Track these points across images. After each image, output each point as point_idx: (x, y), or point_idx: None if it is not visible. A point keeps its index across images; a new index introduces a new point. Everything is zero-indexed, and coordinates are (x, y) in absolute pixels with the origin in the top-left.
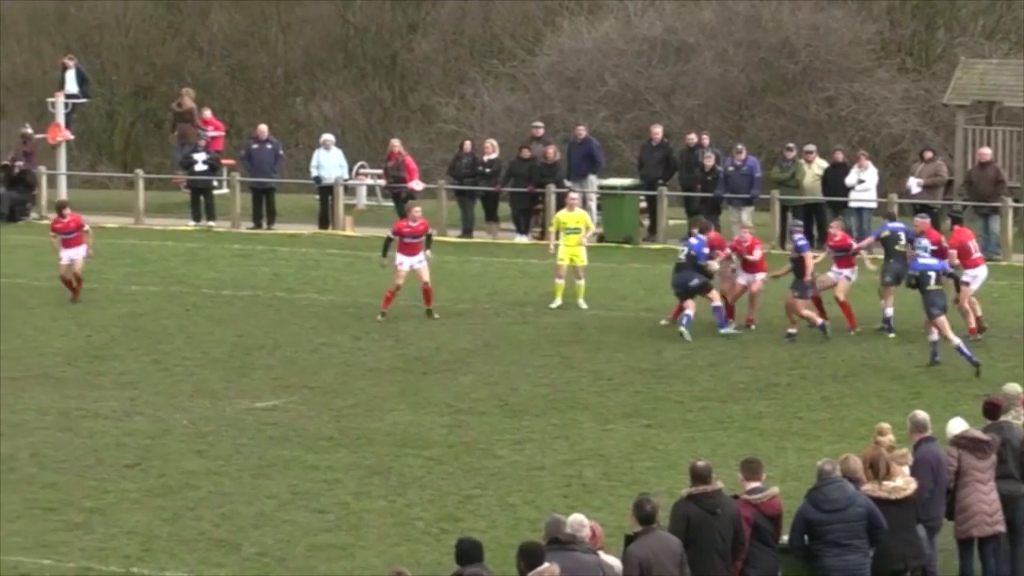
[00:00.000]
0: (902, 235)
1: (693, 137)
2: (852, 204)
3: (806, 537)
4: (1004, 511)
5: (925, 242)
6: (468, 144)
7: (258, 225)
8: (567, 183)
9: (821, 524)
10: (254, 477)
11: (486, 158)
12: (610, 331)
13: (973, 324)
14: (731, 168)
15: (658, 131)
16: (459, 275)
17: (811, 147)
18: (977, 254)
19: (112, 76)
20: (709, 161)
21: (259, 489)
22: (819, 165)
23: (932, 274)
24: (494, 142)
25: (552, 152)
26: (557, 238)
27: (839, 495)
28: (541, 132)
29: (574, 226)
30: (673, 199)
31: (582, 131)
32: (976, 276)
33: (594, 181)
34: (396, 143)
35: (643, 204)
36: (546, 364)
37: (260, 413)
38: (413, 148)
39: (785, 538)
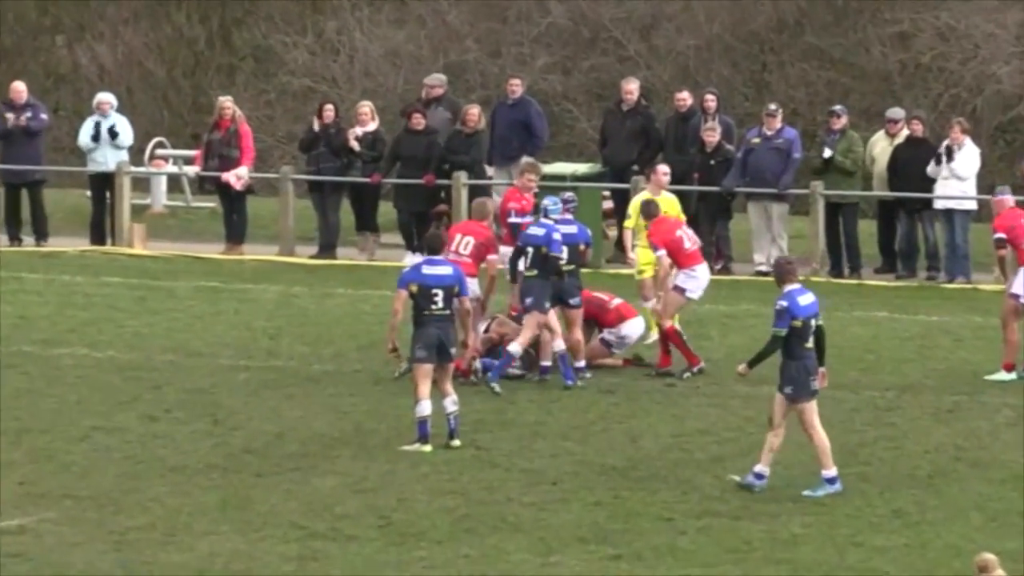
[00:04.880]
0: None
1: (686, 97)
2: (939, 204)
3: None
4: None
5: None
6: (330, 109)
7: (15, 239)
8: (487, 169)
9: None
10: None
11: (359, 131)
12: (554, 402)
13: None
14: (756, 140)
15: (632, 88)
16: (315, 317)
17: (897, 112)
18: (688, 243)
19: None
20: (713, 135)
21: None
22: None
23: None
24: (371, 106)
25: (475, 115)
26: (635, 238)
27: None
28: (441, 90)
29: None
30: None
31: (518, 87)
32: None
33: None
34: (228, 102)
35: (608, 203)
36: (452, 458)
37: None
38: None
39: None
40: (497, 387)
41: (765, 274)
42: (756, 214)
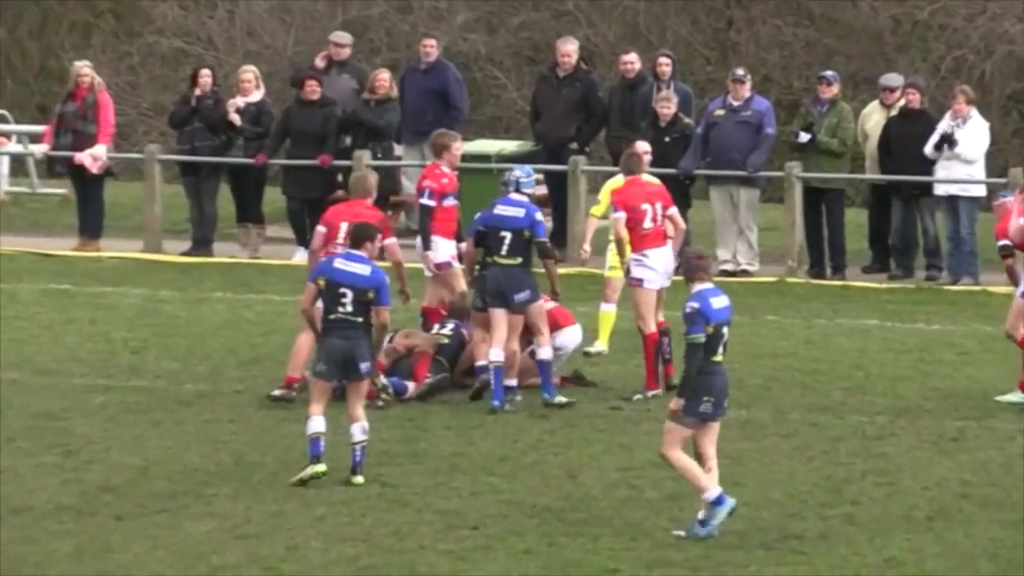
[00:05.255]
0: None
1: (634, 60)
2: (940, 190)
3: None
4: None
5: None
6: (206, 76)
7: None
8: (397, 148)
9: None
10: None
11: (241, 102)
12: (476, 429)
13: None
14: (720, 112)
15: (570, 50)
16: (187, 327)
17: (894, 79)
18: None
19: None
20: (668, 107)
21: None
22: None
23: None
24: (255, 71)
25: (386, 81)
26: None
27: None
28: (348, 52)
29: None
30: (600, 178)
31: (432, 48)
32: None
33: None
34: (86, 68)
35: (542, 188)
36: (354, 497)
37: None
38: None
39: None
40: (559, 397)
41: (731, 274)
42: (720, 201)
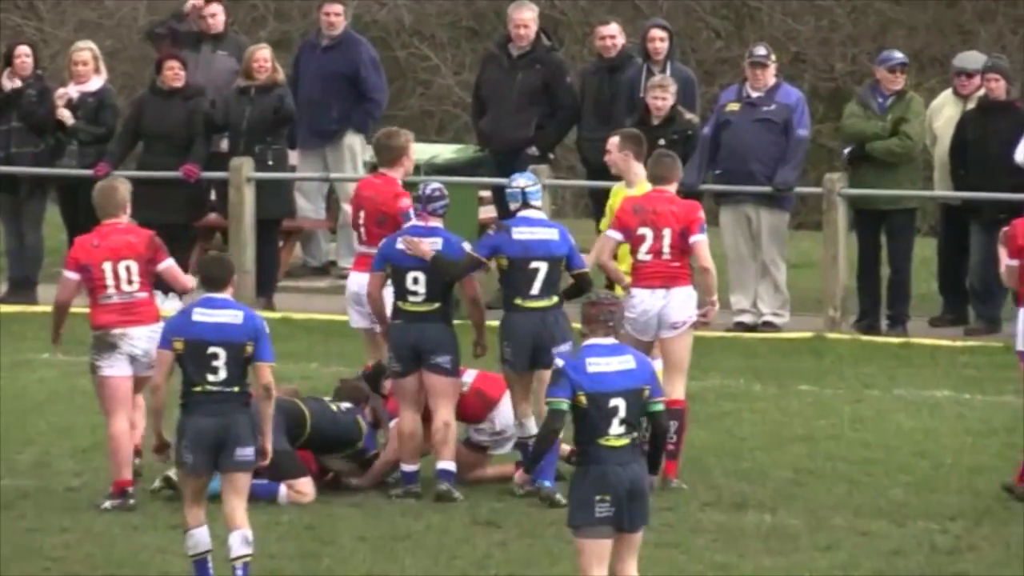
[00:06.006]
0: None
1: (615, 34)
2: None
3: None
4: None
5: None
6: (25, 55)
7: None
8: (291, 155)
9: None
10: None
11: (74, 92)
12: (401, 540)
13: None
14: (735, 106)
15: (527, 20)
16: (2, 400)
17: (972, 59)
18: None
19: None
20: (663, 98)
21: None
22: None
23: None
24: (94, 50)
25: (266, 61)
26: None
27: None
28: (221, 20)
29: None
30: (569, 196)
31: (338, 18)
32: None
33: (359, 148)
34: None
35: (489, 208)
36: None
37: None
38: None
39: None
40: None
41: (751, 328)
42: (735, 227)
